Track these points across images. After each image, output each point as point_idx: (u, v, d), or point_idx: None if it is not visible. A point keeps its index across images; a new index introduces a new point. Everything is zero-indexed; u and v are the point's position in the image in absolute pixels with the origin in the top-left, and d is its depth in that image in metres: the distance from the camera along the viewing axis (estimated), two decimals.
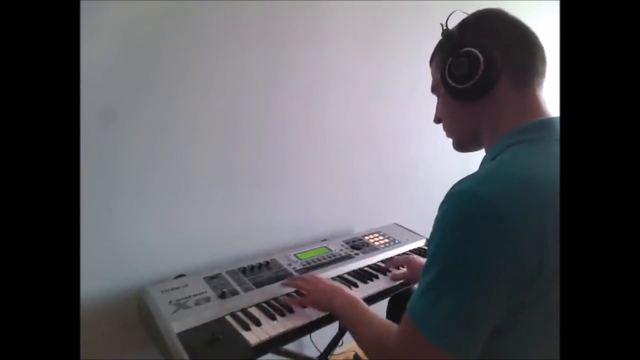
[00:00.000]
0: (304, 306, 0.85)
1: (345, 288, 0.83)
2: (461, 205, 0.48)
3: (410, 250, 1.23)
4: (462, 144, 0.66)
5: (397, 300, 1.05)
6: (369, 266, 1.11)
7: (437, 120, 0.69)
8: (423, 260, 1.01)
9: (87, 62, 0.81)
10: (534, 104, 0.56)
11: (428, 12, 1.44)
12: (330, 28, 1.25)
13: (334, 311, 0.77)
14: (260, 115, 1.15)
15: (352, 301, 0.75)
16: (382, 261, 1.15)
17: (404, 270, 1.04)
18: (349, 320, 0.72)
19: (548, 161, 0.49)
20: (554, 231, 0.44)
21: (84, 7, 0.66)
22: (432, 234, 0.52)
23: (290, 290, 0.94)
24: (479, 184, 0.48)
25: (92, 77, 0.85)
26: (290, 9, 1.14)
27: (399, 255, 1.19)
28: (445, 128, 0.67)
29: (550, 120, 0.55)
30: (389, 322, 0.63)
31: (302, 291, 0.88)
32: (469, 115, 0.61)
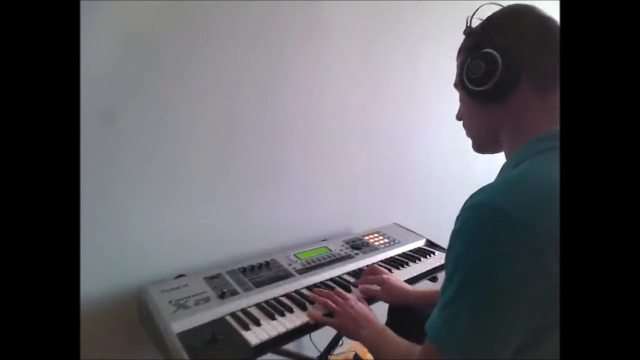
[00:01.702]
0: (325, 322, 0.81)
1: (374, 316, 0.78)
2: (479, 218, 0.45)
3: (410, 251, 1.23)
4: (481, 146, 0.64)
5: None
6: (368, 266, 1.11)
7: (459, 118, 0.66)
8: (401, 285, 0.95)
9: (87, 62, 0.81)
10: (558, 109, 0.51)
11: (428, 12, 1.44)
12: (330, 28, 1.25)
13: (360, 340, 0.75)
14: (261, 115, 1.15)
15: (380, 330, 0.72)
16: (382, 261, 1.15)
17: (377, 288, 0.95)
18: (375, 349, 0.70)
19: None
20: None
21: (84, 7, 0.66)
22: (449, 249, 0.49)
23: (290, 290, 0.94)
24: (499, 194, 0.46)
25: (92, 77, 0.85)
26: (290, 8, 1.14)
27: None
28: (465, 127, 0.65)
29: None
30: (413, 345, 0.61)
31: (329, 311, 0.83)
32: (487, 117, 0.59)
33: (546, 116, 0.53)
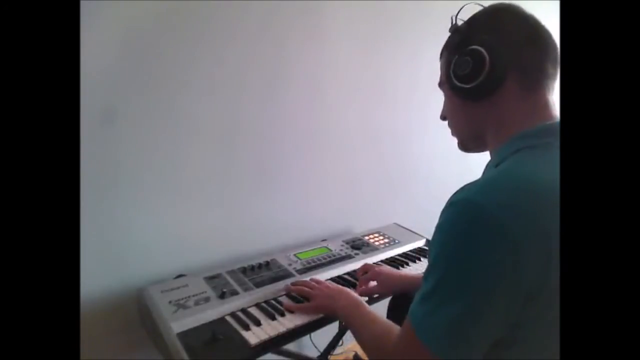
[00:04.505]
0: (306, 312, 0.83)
1: (350, 290, 0.81)
2: (461, 214, 0.47)
3: (410, 251, 1.23)
4: (466, 144, 0.64)
5: (398, 300, 1.05)
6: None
7: (443, 117, 0.66)
8: (393, 272, 0.97)
9: (88, 62, 0.81)
10: (542, 108, 0.54)
11: (429, 12, 1.44)
12: (331, 28, 1.25)
13: (337, 313, 0.77)
14: (261, 115, 1.15)
15: (356, 303, 0.75)
16: (382, 261, 1.15)
17: (374, 284, 0.96)
18: (351, 321, 0.71)
19: (553, 168, 0.45)
20: (559, 242, 0.42)
21: (84, 7, 0.66)
22: (432, 241, 0.51)
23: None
24: (480, 192, 0.47)
25: (92, 77, 0.85)
26: (291, 8, 1.14)
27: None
28: (450, 126, 0.65)
29: (557, 124, 0.52)
30: (390, 323, 0.63)
31: (306, 296, 0.86)
32: (472, 115, 0.59)
33: (530, 114, 0.54)
